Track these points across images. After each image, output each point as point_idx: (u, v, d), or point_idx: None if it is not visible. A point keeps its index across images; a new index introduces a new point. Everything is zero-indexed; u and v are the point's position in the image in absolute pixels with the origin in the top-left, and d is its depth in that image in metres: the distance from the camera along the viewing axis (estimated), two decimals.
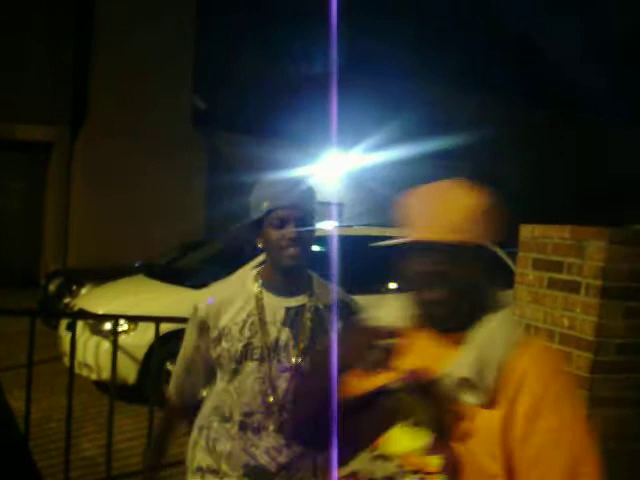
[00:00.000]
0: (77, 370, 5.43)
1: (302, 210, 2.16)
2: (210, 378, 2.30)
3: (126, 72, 11.54)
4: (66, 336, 5.97)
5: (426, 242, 1.43)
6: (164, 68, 11.77)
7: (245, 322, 2.19)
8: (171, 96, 11.95)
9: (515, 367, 1.41)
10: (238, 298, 2.22)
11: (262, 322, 2.18)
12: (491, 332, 1.45)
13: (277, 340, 2.17)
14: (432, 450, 1.37)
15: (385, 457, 1.43)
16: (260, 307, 2.19)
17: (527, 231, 3.31)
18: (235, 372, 2.20)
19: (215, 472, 2.25)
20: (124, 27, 11.48)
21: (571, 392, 1.48)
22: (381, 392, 1.45)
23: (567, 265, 3.01)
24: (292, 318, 2.19)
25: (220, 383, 2.25)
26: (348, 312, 2.22)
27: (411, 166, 14.01)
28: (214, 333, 2.21)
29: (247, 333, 2.18)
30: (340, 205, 14.49)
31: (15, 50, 11.08)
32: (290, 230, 2.12)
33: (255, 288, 2.23)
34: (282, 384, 2.15)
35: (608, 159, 17.11)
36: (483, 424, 1.38)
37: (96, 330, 6.21)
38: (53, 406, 5.47)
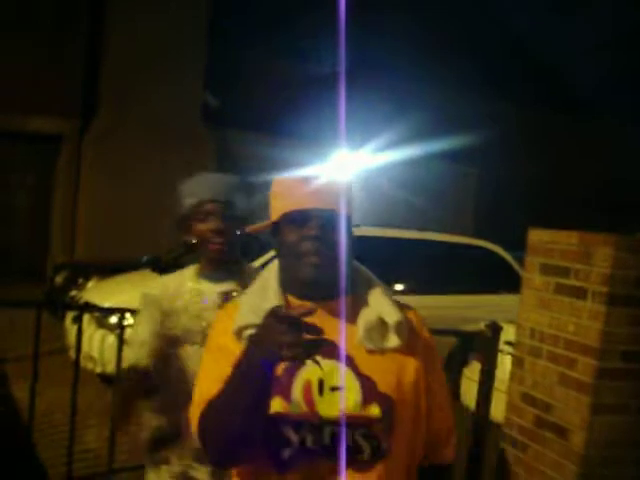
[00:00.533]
0: (82, 363, 5.45)
1: (225, 203, 2.30)
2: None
3: (137, 66, 11.56)
4: (72, 329, 5.99)
5: (305, 210, 1.62)
6: (176, 63, 11.79)
7: (184, 309, 2.34)
8: (182, 92, 11.97)
9: (409, 320, 1.71)
10: (179, 289, 2.39)
11: (198, 308, 2.32)
12: (383, 291, 1.72)
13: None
14: (367, 402, 1.59)
15: (329, 422, 1.58)
16: (196, 294, 2.35)
17: (535, 236, 3.31)
18: (176, 357, 2.33)
19: (167, 461, 2.39)
20: (136, 21, 11.50)
21: None
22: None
23: (574, 271, 3.01)
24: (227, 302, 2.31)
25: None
26: None
27: (420, 167, 14.02)
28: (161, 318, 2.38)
29: (185, 319, 2.32)
30: None
31: (26, 42, 11.10)
32: (214, 222, 2.27)
33: (192, 278, 2.40)
34: None
35: (624, 165, 17.01)
36: (405, 365, 1.66)
37: (102, 323, 6.23)
38: (57, 398, 5.48)
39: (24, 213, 12.08)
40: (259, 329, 1.47)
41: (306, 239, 1.60)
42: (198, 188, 2.32)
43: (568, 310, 3.02)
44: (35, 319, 3.76)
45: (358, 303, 1.68)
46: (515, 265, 7.77)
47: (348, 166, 13.59)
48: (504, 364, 3.96)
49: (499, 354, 3.68)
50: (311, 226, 1.60)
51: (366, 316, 1.64)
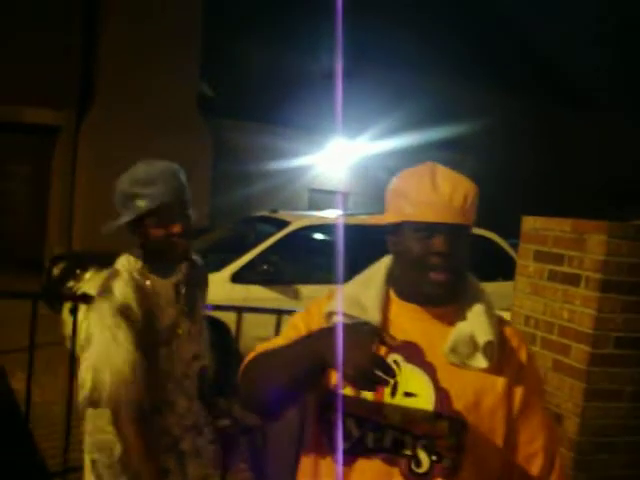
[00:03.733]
0: (80, 353, 5.45)
1: (184, 201, 2.19)
2: None
3: (133, 56, 11.52)
4: (69, 320, 5.96)
5: (437, 224, 1.50)
6: (171, 53, 11.74)
7: (150, 309, 2.20)
8: (178, 82, 11.92)
9: (507, 339, 1.61)
10: (138, 291, 2.20)
11: (160, 306, 2.22)
12: (486, 306, 1.60)
13: (176, 319, 2.26)
14: (437, 416, 1.51)
15: (393, 426, 1.52)
16: (155, 293, 2.22)
17: (529, 223, 3.32)
18: (158, 357, 2.22)
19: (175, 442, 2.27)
20: (132, 11, 11.46)
21: None
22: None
23: (568, 258, 3.02)
24: (179, 294, 2.28)
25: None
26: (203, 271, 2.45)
27: (416, 155, 13.98)
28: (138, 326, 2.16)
29: (164, 317, 2.23)
30: (345, 194, 14.48)
31: (22, 33, 11.05)
32: (180, 225, 2.15)
33: (147, 281, 2.23)
34: (188, 355, 2.29)
35: (621, 154, 16.95)
36: (488, 387, 1.55)
37: None
38: (55, 389, 5.49)
39: (21, 204, 12.08)
40: (347, 330, 1.38)
41: (435, 254, 1.51)
42: (156, 190, 2.12)
43: (562, 297, 3.03)
44: (31, 311, 3.76)
45: (457, 314, 1.59)
46: (511, 252, 7.77)
47: (345, 155, 13.60)
48: None
49: None
50: (441, 241, 1.50)
51: (459, 329, 1.56)
